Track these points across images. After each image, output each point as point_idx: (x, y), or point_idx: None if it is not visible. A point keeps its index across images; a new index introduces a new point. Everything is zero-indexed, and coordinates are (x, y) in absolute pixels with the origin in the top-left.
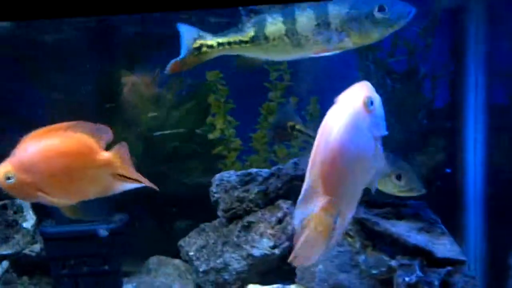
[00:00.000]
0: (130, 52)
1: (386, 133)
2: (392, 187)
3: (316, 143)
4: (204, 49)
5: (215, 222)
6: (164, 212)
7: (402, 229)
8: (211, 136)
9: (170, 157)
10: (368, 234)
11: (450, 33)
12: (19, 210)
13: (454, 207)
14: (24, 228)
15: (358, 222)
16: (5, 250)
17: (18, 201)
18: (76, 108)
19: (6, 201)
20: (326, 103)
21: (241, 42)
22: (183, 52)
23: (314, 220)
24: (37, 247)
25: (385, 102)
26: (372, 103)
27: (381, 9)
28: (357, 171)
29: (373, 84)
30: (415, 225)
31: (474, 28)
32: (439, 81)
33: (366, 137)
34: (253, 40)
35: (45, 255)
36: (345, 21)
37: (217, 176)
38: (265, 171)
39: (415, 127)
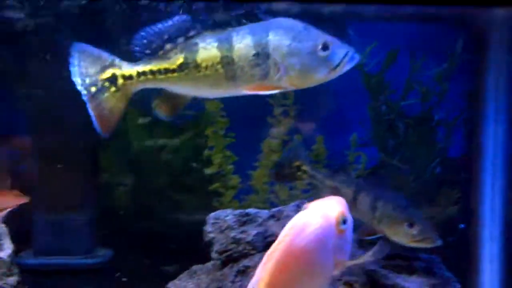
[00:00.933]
0: None
1: (347, 261)
2: (403, 236)
3: (277, 242)
4: (121, 81)
5: (208, 265)
6: (152, 250)
7: (414, 285)
8: (207, 171)
9: (162, 191)
10: (376, 285)
11: (468, 78)
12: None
13: (467, 265)
14: (1, 259)
15: (365, 274)
16: None
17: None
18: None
19: None
20: (332, 143)
21: (167, 71)
22: (81, 89)
23: None
24: (12, 279)
25: (396, 147)
26: (345, 222)
27: (324, 48)
28: (308, 282)
29: (384, 127)
30: (428, 281)
31: (494, 73)
32: (454, 128)
33: (328, 257)
34: (181, 68)
35: None
36: (286, 54)
37: (212, 214)
38: (264, 212)
39: (427, 177)
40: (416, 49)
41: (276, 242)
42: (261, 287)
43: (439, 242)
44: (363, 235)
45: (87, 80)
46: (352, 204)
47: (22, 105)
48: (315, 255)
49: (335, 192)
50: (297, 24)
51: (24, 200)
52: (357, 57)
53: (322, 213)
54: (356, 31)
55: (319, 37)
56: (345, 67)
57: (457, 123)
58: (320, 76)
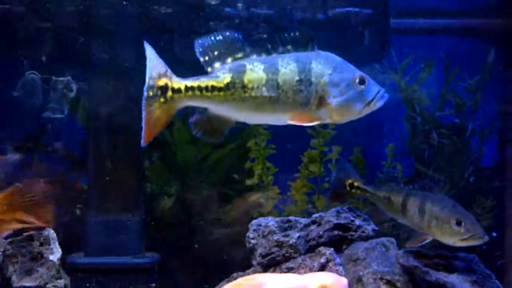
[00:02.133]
0: None
1: None
2: (452, 235)
3: None
4: (169, 93)
5: (249, 271)
6: (194, 256)
7: (455, 281)
8: (248, 182)
9: (205, 201)
10: (416, 285)
11: (501, 89)
12: (46, 242)
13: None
14: (50, 261)
15: (407, 272)
16: (27, 283)
17: (46, 232)
18: None
19: (33, 232)
20: (369, 153)
21: (214, 88)
22: (145, 86)
23: None
24: (61, 282)
25: (431, 157)
26: None
27: (361, 81)
28: None
29: (420, 138)
30: (468, 277)
31: None
32: (488, 138)
33: None
34: (228, 88)
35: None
36: (327, 82)
37: (254, 221)
38: (304, 220)
39: (462, 186)
40: (450, 61)
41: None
42: None
43: (486, 238)
44: (414, 243)
45: (150, 82)
46: (402, 210)
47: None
48: None
49: (387, 201)
50: (337, 57)
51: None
52: (387, 96)
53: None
54: (393, 43)
55: (356, 71)
56: (378, 104)
57: (490, 132)
58: (356, 110)
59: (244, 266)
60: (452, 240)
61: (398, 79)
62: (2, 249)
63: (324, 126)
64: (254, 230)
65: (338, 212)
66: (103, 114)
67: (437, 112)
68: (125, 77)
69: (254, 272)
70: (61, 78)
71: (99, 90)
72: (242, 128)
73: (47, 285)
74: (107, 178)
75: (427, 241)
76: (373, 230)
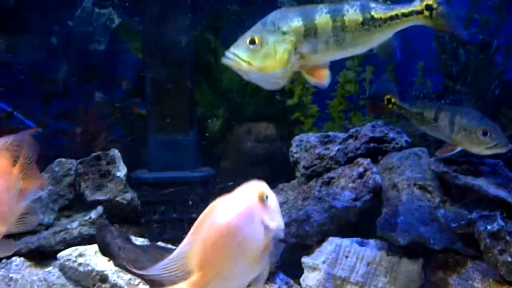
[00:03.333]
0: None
1: (282, 225)
2: (478, 144)
3: (200, 221)
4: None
5: (294, 182)
6: (243, 169)
7: (482, 183)
8: (289, 102)
9: (249, 120)
10: (447, 189)
11: None
12: (112, 161)
13: None
14: (117, 177)
15: (437, 177)
16: (99, 197)
17: (111, 152)
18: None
19: (100, 153)
20: (401, 71)
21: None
22: None
23: None
24: (128, 195)
25: (459, 73)
26: (267, 197)
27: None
28: (239, 256)
29: (447, 54)
30: (494, 180)
31: None
32: None
33: (257, 227)
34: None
35: (135, 203)
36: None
37: (297, 137)
38: (342, 134)
39: (488, 98)
40: None
41: (197, 220)
42: (195, 270)
43: (510, 146)
44: (444, 153)
45: None
46: (433, 124)
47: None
48: (241, 230)
49: (420, 116)
50: None
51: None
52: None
53: (244, 193)
54: None
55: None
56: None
57: None
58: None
59: (289, 177)
60: (479, 149)
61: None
62: (74, 168)
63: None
64: (297, 145)
65: (373, 126)
66: (157, 45)
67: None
68: (177, 8)
69: (299, 182)
70: (103, 10)
71: (152, 23)
72: None
73: (116, 198)
74: (163, 103)
75: (456, 150)
76: (406, 141)
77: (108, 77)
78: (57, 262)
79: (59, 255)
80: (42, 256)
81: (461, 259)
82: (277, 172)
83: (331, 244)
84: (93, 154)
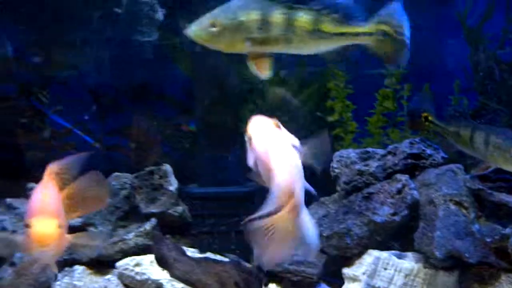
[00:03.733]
0: None
1: (298, 143)
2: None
3: (267, 158)
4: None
5: (335, 196)
6: None
7: None
8: (330, 118)
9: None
10: (481, 205)
11: None
12: (164, 175)
13: None
14: (169, 191)
15: (473, 194)
16: (153, 209)
17: (164, 167)
18: None
19: (153, 168)
20: (438, 89)
21: None
22: None
23: (281, 221)
24: (179, 208)
25: (494, 91)
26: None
27: None
28: (299, 171)
29: (483, 74)
30: None
31: None
32: None
33: (289, 144)
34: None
35: (186, 216)
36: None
37: (337, 153)
38: (381, 150)
39: None
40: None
41: (269, 158)
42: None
43: None
44: (480, 171)
45: None
46: (469, 143)
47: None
48: (287, 147)
49: (456, 135)
50: None
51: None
52: None
53: (264, 124)
54: None
55: None
56: None
57: None
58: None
59: (330, 191)
60: None
61: (462, 21)
62: (129, 182)
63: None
64: (338, 160)
65: (411, 143)
66: (206, 67)
67: (499, 50)
68: None
69: (339, 196)
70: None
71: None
72: (321, 72)
73: (168, 211)
74: (212, 121)
75: (491, 169)
76: (443, 158)
77: (159, 94)
78: (116, 271)
79: (118, 264)
80: (101, 265)
81: (495, 272)
82: (318, 186)
83: (371, 256)
84: (147, 169)
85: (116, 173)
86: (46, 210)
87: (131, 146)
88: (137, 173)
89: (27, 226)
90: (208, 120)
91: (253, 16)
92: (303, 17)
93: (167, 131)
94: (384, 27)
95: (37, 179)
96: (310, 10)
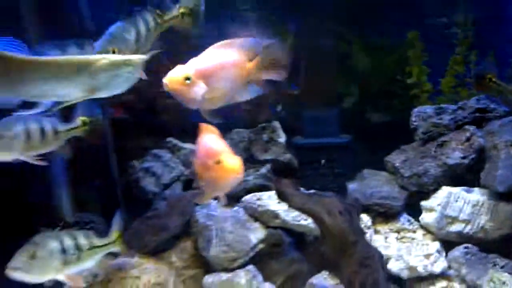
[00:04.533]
0: None
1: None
2: None
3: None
4: None
5: (413, 144)
6: (372, 138)
7: None
8: (409, 81)
9: (376, 96)
10: None
11: None
12: (274, 130)
13: None
14: (279, 142)
15: None
16: (266, 157)
17: (273, 123)
18: None
19: (264, 124)
20: (501, 55)
21: None
22: None
23: None
24: (287, 156)
25: None
26: None
27: None
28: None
29: None
30: None
31: None
32: None
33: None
34: None
35: (293, 162)
36: None
37: (415, 109)
38: (452, 106)
39: None
40: None
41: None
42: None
43: None
44: None
45: None
46: None
47: None
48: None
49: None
50: None
51: None
52: None
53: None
54: None
55: None
56: None
57: None
58: None
59: (408, 141)
60: None
61: None
62: (247, 136)
63: (465, 36)
64: (416, 115)
65: (477, 99)
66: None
67: None
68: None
69: (417, 144)
70: None
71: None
72: (402, 42)
73: (279, 158)
74: (313, 85)
75: None
76: (504, 111)
77: None
78: (241, 204)
79: (243, 199)
80: (228, 200)
81: None
82: (399, 137)
83: (444, 191)
84: (260, 125)
85: (237, 129)
86: (226, 150)
87: (247, 107)
88: (252, 129)
89: (217, 162)
90: (310, 85)
91: (133, 35)
92: (147, 25)
93: (277, 95)
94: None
95: (174, 135)
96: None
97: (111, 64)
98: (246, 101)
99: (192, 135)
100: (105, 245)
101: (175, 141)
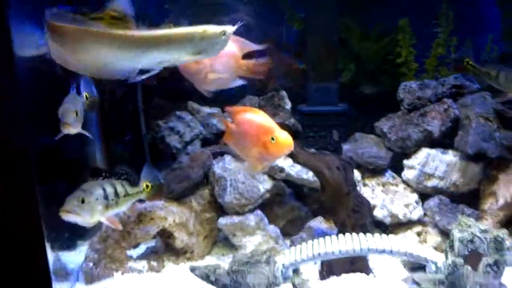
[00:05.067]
0: None
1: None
2: None
3: None
4: None
5: (399, 113)
6: (364, 107)
7: None
8: (398, 60)
9: (371, 72)
10: (501, 120)
11: None
12: (281, 98)
13: None
14: (285, 108)
15: (496, 112)
16: (276, 120)
17: (281, 92)
18: None
19: (273, 92)
20: (477, 41)
21: None
22: None
23: None
24: (292, 120)
25: None
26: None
27: None
28: None
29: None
30: None
31: None
32: None
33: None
34: None
35: (297, 126)
36: None
37: (402, 84)
38: (433, 82)
39: None
40: None
41: None
42: None
43: None
44: (501, 98)
45: None
46: (495, 79)
47: None
48: None
49: (488, 75)
50: None
51: None
52: None
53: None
54: None
55: None
56: None
57: None
58: None
59: (395, 110)
60: None
61: None
62: (257, 102)
63: (448, 21)
64: (402, 89)
65: (455, 77)
66: (315, 25)
67: None
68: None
69: (403, 113)
70: None
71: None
72: (393, 28)
73: (285, 122)
74: (318, 61)
75: (509, 97)
76: (477, 88)
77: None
78: None
79: None
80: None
81: (508, 163)
82: (387, 106)
83: (423, 152)
84: (269, 93)
85: (248, 96)
86: (277, 126)
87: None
88: (263, 96)
89: (272, 139)
90: (315, 61)
91: None
92: None
93: (284, 69)
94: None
95: (193, 99)
96: None
97: (212, 33)
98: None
99: (207, 100)
100: (136, 193)
101: (195, 105)
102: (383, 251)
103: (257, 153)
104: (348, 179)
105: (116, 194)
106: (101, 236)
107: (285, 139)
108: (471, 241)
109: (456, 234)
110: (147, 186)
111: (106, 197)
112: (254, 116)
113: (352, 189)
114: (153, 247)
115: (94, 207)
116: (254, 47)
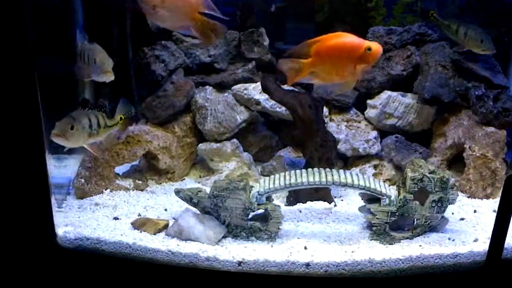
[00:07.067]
0: None
1: None
2: (477, 47)
3: None
4: None
5: None
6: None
7: (477, 67)
8: (369, 5)
9: (342, 14)
10: (457, 69)
11: None
12: (260, 35)
13: None
14: (263, 45)
15: (452, 61)
16: (252, 55)
17: (260, 29)
18: None
19: (253, 29)
20: None
21: None
22: None
23: None
24: (268, 56)
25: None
26: None
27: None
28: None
29: None
30: (484, 65)
31: None
32: None
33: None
34: None
35: (273, 61)
36: None
37: (371, 28)
38: (400, 28)
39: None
40: None
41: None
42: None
43: (494, 50)
44: (459, 49)
45: None
46: (456, 33)
47: None
48: None
49: (449, 28)
50: None
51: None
52: None
53: None
54: None
55: None
56: None
57: None
58: None
59: None
60: (478, 50)
61: None
62: (238, 37)
63: None
64: (371, 33)
65: (419, 26)
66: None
67: None
68: None
69: None
70: None
71: None
72: None
73: (262, 57)
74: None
75: (466, 49)
76: (438, 37)
77: None
78: (231, 91)
79: (233, 88)
80: (221, 87)
81: (459, 108)
82: None
83: (386, 94)
84: (249, 30)
85: (230, 31)
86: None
87: (239, 15)
88: (243, 32)
89: (368, 49)
90: (290, 2)
91: None
92: None
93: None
94: None
95: None
96: None
97: None
98: (239, 9)
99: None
100: (113, 125)
101: (178, 35)
102: (345, 185)
103: (352, 69)
104: (318, 117)
105: (98, 124)
106: (92, 155)
107: (377, 45)
108: (421, 180)
109: (409, 173)
110: (121, 118)
111: (90, 126)
112: (341, 39)
113: (320, 126)
114: (137, 165)
115: (80, 134)
116: (218, 14)
